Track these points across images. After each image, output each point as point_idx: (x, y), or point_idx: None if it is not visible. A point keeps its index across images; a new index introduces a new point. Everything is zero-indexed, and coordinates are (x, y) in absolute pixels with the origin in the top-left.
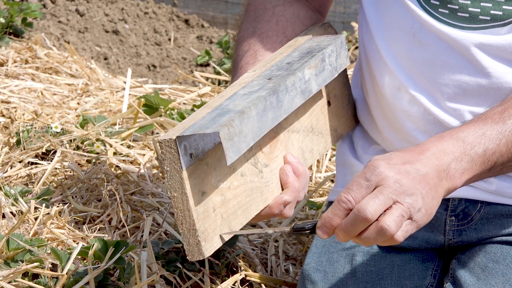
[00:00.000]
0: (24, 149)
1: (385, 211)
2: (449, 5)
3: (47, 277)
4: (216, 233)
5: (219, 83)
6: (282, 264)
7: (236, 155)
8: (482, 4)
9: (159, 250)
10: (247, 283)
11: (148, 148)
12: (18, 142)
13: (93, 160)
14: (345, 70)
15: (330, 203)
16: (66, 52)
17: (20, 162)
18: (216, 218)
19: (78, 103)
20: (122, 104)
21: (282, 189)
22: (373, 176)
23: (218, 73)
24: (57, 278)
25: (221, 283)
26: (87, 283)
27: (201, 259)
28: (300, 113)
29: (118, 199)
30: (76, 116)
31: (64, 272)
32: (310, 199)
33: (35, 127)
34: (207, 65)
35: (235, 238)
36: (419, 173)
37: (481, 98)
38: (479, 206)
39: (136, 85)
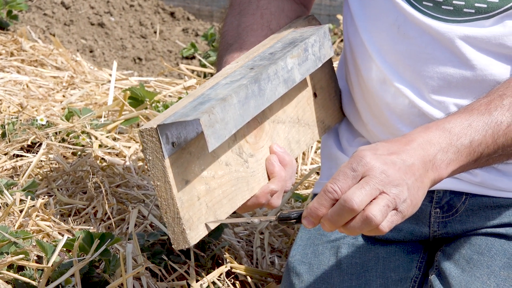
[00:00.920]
0: (9, 141)
1: (371, 201)
2: None
3: (33, 269)
4: (201, 222)
5: (205, 75)
6: (267, 256)
7: (218, 142)
8: None
9: (144, 242)
10: (233, 275)
11: (134, 140)
12: (3, 135)
13: (79, 153)
14: (331, 63)
15: (315, 195)
16: (51, 45)
17: (5, 154)
18: (201, 207)
19: (64, 96)
20: (107, 96)
21: (269, 179)
22: (359, 167)
23: (204, 66)
24: (42, 270)
25: (206, 275)
26: (73, 275)
27: (186, 247)
28: (285, 103)
29: (103, 191)
30: (62, 108)
31: (50, 264)
32: (296, 191)
33: (21, 120)
34: (193, 57)
35: (220, 230)
36: (405, 164)
37: (465, 90)
38: (464, 198)
39: (121, 78)
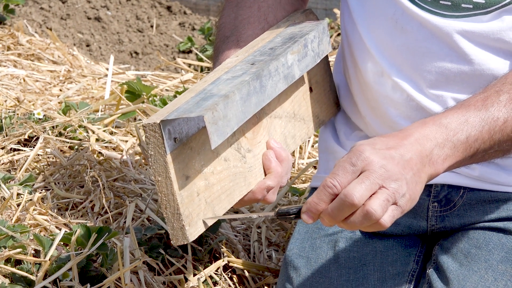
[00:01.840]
0: (6, 135)
1: (370, 196)
2: None
3: (30, 263)
4: (200, 218)
5: (202, 69)
6: (264, 250)
7: (220, 139)
8: None
9: (141, 236)
10: (230, 269)
11: (131, 134)
12: (0, 129)
13: (76, 147)
14: (326, 57)
15: (312, 189)
16: (48, 39)
17: (2, 148)
18: (200, 203)
19: (61, 90)
20: (104, 90)
21: (265, 175)
22: (358, 161)
23: (201, 60)
24: (39, 264)
25: (203, 269)
26: (70, 269)
27: (185, 243)
28: (282, 99)
29: (100, 185)
30: (59, 102)
31: (47, 258)
32: (293, 186)
33: (18, 114)
34: (190, 52)
35: (218, 224)
36: (403, 159)
37: (463, 85)
38: (462, 192)
39: (118, 72)
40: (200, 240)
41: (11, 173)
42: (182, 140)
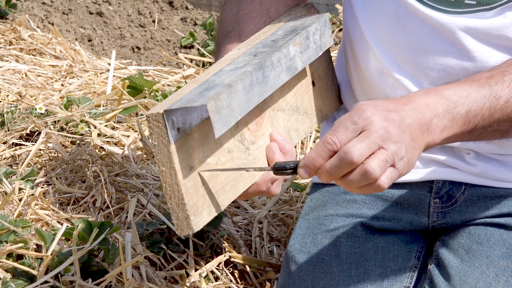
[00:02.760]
0: (8, 130)
1: (369, 155)
2: None
3: (32, 258)
4: (205, 208)
5: (203, 64)
6: (266, 246)
7: (224, 128)
8: None
9: (143, 231)
10: (231, 264)
11: (133, 129)
12: (2, 123)
13: (78, 142)
14: (328, 51)
15: (314, 184)
16: (50, 34)
17: (4, 143)
18: (204, 193)
19: (62, 85)
20: (106, 85)
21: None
22: (360, 120)
23: (203, 55)
24: (41, 259)
25: (205, 264)
26: (72, 264)
27: (190, 233)
28: (285, 91)
29: (102, 180)
30: (60, 97)
31: (49, 253)
32: (295, 181)
33: (19, 109)
34: (191, 47)
35: (219, 219)
36: (404, 123)
37: None
38: (463, 188)
39: (120, 67)
40: (202, 235)
41: (13, 167)
42: (185, 130)
